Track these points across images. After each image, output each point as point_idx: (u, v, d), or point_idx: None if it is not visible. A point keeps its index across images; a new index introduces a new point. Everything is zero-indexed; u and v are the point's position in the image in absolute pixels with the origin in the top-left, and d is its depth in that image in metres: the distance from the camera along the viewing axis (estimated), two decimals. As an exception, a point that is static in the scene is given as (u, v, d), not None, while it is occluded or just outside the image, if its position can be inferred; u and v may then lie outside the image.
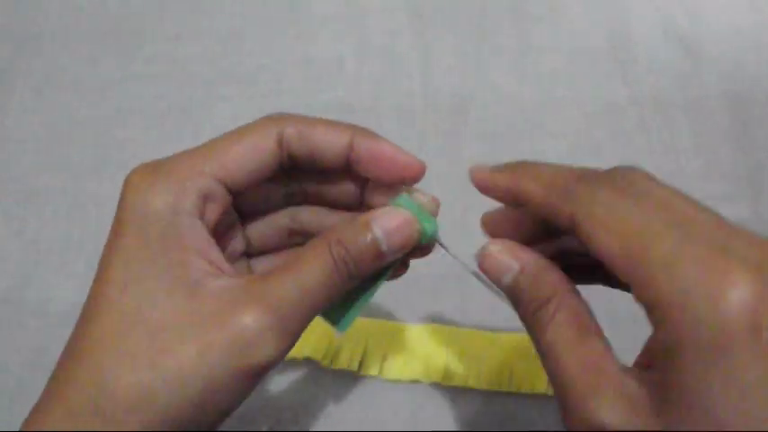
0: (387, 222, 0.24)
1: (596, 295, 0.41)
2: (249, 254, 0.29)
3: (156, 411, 0.21)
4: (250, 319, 0.22)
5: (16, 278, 0.42)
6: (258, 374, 0.22)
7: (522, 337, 0.38)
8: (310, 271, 0.23)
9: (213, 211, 0.24)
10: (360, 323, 0.38)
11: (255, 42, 0.50)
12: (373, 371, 0.37)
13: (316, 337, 0.37)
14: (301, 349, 0.37)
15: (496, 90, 0.47)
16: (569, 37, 0.49)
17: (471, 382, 0.37)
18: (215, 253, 0.24)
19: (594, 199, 0.22)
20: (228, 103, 0.47)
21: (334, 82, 0.48)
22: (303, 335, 0.37)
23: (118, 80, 0.48)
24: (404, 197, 0.26)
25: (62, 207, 0.44)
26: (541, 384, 0.36)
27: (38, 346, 0.40)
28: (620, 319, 0.40)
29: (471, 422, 0.37)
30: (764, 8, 0.49)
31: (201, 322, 0.22)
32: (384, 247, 0.24)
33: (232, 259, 0.28)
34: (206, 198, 0.24)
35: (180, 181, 0.23)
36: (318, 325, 0.39)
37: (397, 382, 0.38)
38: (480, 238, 0.42)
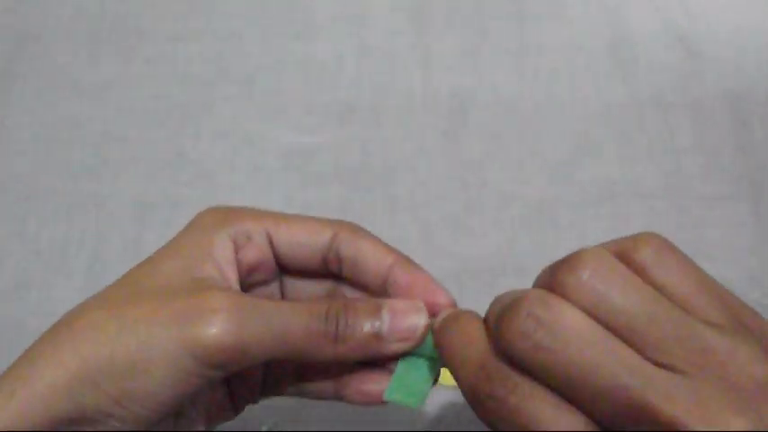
0: (398, 309, 0.24)
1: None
2: None
3: (100, 346, 0.22)
4: (209, 297, 0.22)
5: (16, 278, 0.42)
6: (201, 359, 0.22)
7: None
8: (298, 306, 0.23)
9: (249, 254, 0.26)
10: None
11: (255, 42, 0.50)
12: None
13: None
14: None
15: (496, 90, 0.47)
16: (569, 37, 0.49)
17: (471, 382, 0.37)
18: (233, 275, 0.25)
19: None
20: (228, 103, 0.47)
21: (334, 82, 0.48)
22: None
23: (118, 80, 0.48)
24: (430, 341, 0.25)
25: (62, 207, 0.44)
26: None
27: (38, 346, 0.40)
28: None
29: (471, 422, 0.37)
30: (764, 8, 0.49)
31: (174, 295, 0.23)
32: (384, 330, 0.24)
33: None
34: (248, 238, 0.26)
35: (235, 215, 0.26)
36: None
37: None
38: (479, 239, 0.43)
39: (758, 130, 0.45)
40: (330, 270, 0.27)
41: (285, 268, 0.27)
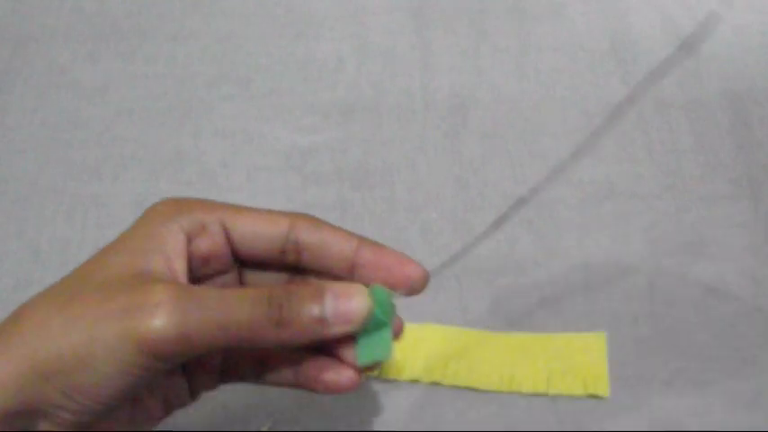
0: (341, 293, 0.24)
1: (596, 296, 0.41)
2: None
3: (47, 342, 0.22)
4: (150, 290, 0.23)
5: (16, 278, 0.42)
6: (144, 352, 0.22)
7: (523, 337, 0.39)
8: (240, 294, 0.24)
9: (203, 244, 0.26)
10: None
11: (255, 42, 0.50)
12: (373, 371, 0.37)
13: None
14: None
15: (496, 90, 0.47)
16: (569, 37, 0.49)
17: (472, 382, 0.37)
18: (180, 267, 0.25)
19: None
20: (228, 103, 0.47)
21: (334, 82, 0.48)
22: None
23: (118, 80, 0.48)
24: (378, 288, 0.25)
25: (62, 207, 0.44)
26: (542, 384, 0.36)
27: (38, 346, 0.40)
28: (620, 319, 0.40)
29: (471, 422, 0.37)
30: (764, 8, 0.49)
31: (117, 289, 0.23)
32: (327, 313, 0.24)
33: None
34: (202, 228, 0.26)
35: (188, 206, 0.26)
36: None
37: (397, 381, 0.38)
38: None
39: (758, 130, 0.45)
40: (288, 261, 0.27)
41: (242, 259, 0.27)
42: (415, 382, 0.38)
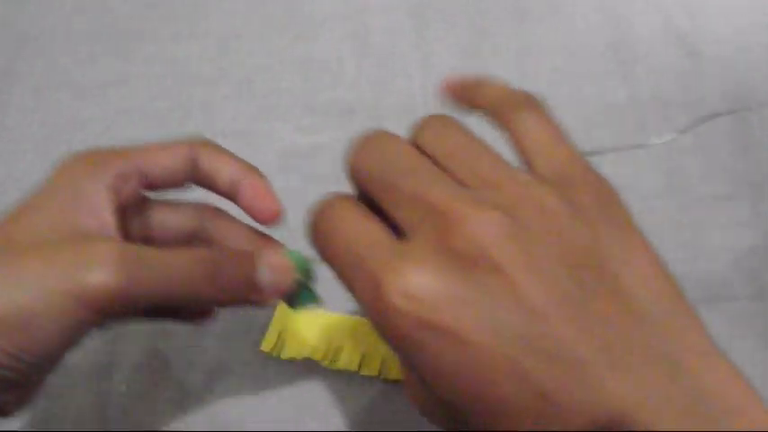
0: (274, 264, 0.27)
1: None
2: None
3: None
4: (93, 247, 0.24)
5: (16, 278, 0.42)
6: (90, 307, 0.23)
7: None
8: (179, 253, 0.25)
9: (127, 190, 0.27)
10: (360, 324, 0.38)
11: (255, 42, 0.50)
12: (373, 371, 0.37)
13: (315, 338, 0.37)
14: (301, 349, 0.37)
15: (496, 90, 0.47)
16: (569, 37, 0.49)
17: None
18: (111, 221, 0.26)
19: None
20: (228, 103, 0.47)
21: (334, 82, 0.48)
22: (302, 335, 0.37)
23: (118, 80, 0.48)
24: (294, 254, 0.28)
25: (62, 207, 0.44)
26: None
27: (38, 346, 0.40)
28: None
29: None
30: (764, 8, 0.49)
31: (59, 244, 0.24)
32: (264, 281, 0.26)
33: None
34: (124, 180, 0.27)
35: (103, 160, 0.27)
36: (317, 325, 0.39)
37: (396, 382, 0.38)
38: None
39: (758, 131, 0.45)
40: (192, 181, 0.29)
41: (154, 188, 0.29)
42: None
